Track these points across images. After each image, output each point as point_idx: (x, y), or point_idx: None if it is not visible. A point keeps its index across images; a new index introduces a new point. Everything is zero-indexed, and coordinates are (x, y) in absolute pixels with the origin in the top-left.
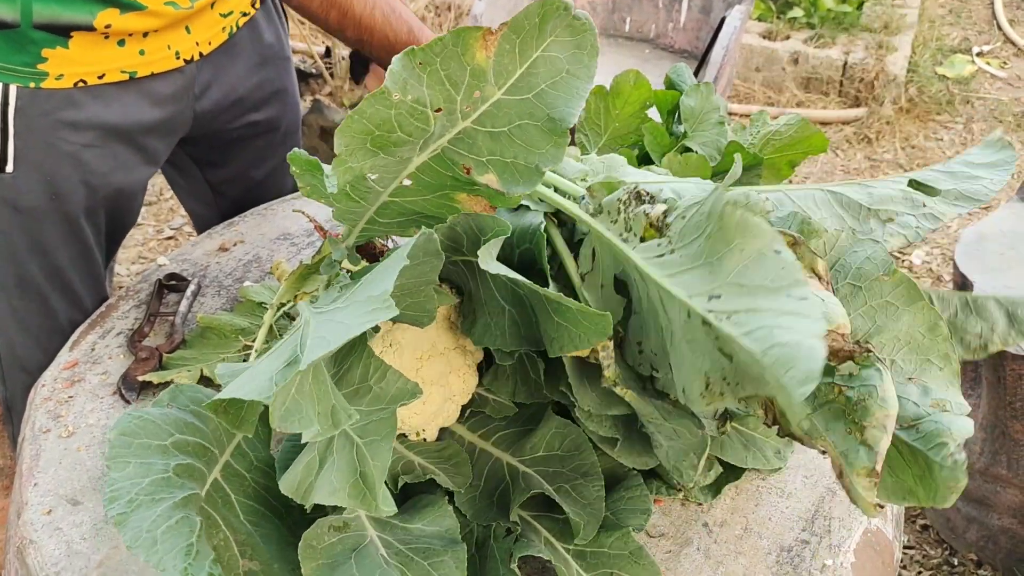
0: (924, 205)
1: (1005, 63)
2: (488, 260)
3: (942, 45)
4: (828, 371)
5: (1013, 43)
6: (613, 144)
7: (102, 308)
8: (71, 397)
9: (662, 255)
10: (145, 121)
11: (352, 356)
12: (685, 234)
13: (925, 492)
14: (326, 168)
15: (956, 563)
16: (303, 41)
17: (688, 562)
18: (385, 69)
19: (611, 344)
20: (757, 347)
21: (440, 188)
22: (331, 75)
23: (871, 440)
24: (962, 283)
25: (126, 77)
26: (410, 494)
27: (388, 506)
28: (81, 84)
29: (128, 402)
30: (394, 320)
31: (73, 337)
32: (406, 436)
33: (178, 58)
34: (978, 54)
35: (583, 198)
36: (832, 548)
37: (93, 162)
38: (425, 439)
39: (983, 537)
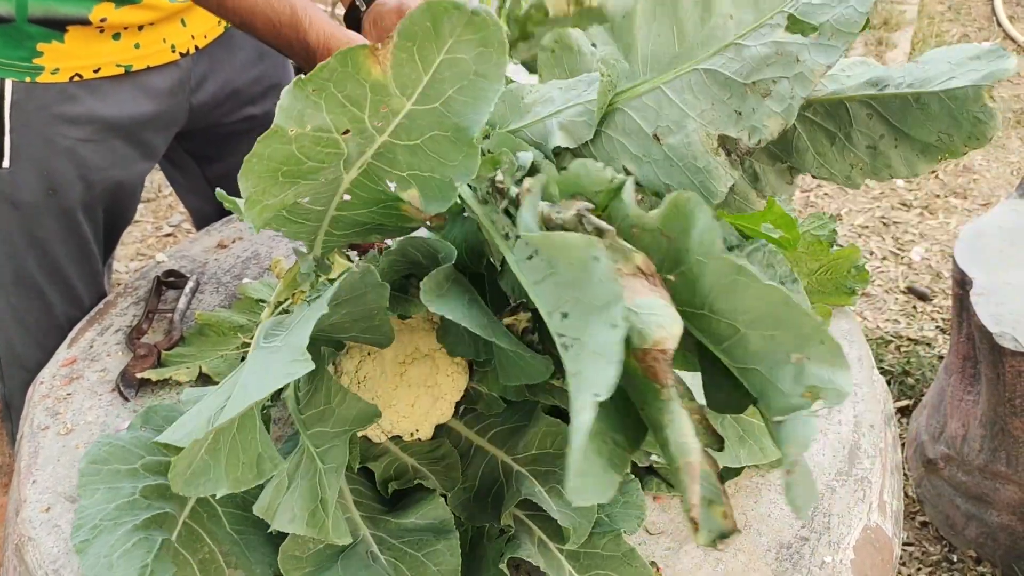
0: (797, 61)
1: None
2: (432, 299)
3: (941, 42)
4: (655, 393)
5: (1012, 40)
6: None
7: (100, 305)
8: (70, 394)
9: (531, 256)
10: (141, 115)
11: (317, 378)
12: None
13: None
14: (241, 203)
15: (955, 560)
16: None
17: (687, 559)
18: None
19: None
20: (576, 395)
21: (379, 202)
22: None
23: (684, 483)
24: (961, 280)
25: (121, 71)
26: (404, 491)
27: (341, 536)
28: (77, 78)
29: (127, 399)
30: (353, 341)
31: (71, 334)
32: (400, 438)
33: (173, 51)
34: None
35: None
36: (831, 545)
37: (90, 157)
38: (420, 438)
39: (982, 534)
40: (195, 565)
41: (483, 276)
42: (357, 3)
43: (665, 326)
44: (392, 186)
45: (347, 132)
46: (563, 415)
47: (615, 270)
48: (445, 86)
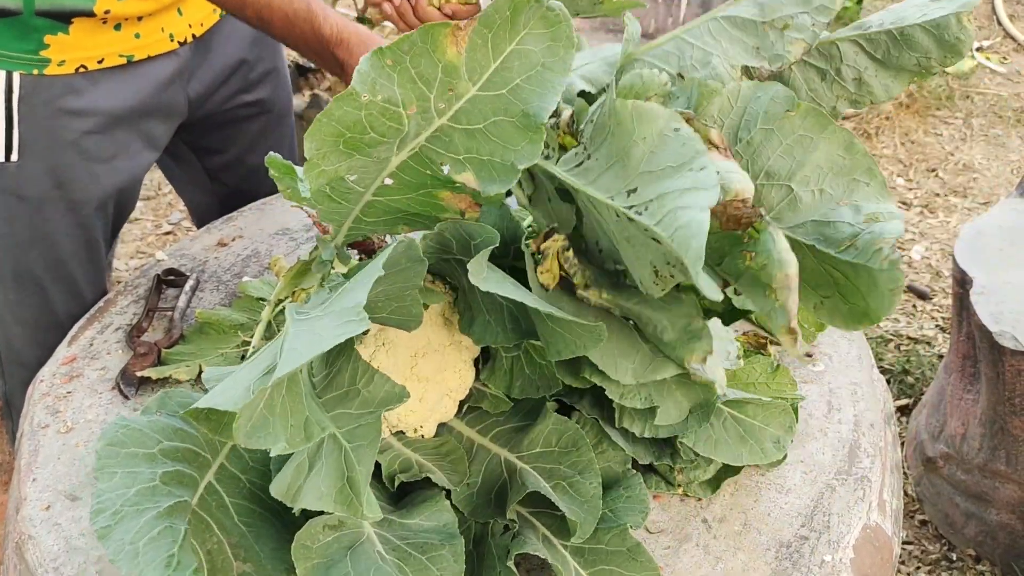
0: None
1: (1005, 59)
2: (480, 276)
3: None
4: (735, 240)
5: (1013, 38)
6: None
7: (100, 303)
8: (69, 392)
9: (581, 163)
10: (144, 104)
11: (341, 359)
12: (595, 137)
13: (876, 305)
14: (299, 171)
15: (955, 558)
16: None
17: (687, 558)
18: (292, 48)
19: (570, 253)
20: (666, 233)
21: (422, 187)
22: None
23: (781, 300)
24: (961, 279)
25: (124, 61)
26: (408, 490)
27: (373, 512)
28: (82, 69)
29: (127, 397)
30: (381, 323)
31: (72, 332)
32: (404, 433)
33: (172, 40)
34: (978, 49)
35: None
36: (831, 544)
37: (94, 149)
38: (423, 436)
39: (982, 532)
40: (202, 555)
41: (513, 268)
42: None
43: (741, 181)
44: (446, 169)
45: (413, 109)
46: (568, 412)
47: (695, 136)
48: (513, 74)
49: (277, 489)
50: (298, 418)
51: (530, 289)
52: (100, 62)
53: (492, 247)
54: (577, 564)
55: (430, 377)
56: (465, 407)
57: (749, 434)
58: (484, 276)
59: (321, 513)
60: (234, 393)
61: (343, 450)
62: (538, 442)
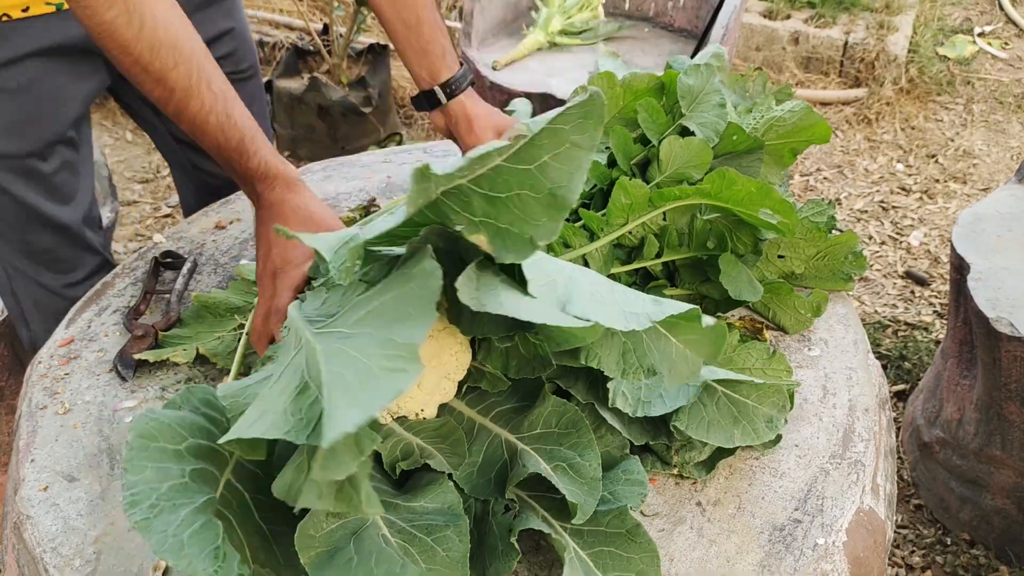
0: None
1: (1006, 44)
2: (470, 296)
3: (943, 25)
4: None
5: (1015, 23)
6: (612, 123)
7: (98, 286)
8: (67, 374)
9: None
10: (79, 36)
11: None
12: None
13: None
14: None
15: (949, 542)
16: (300, 18)
17: (682, 540)
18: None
19: None
20: None
21: (429, 222)
22: (329, 53)
23: None
24: (959, 265)
25: (52, 9)
26: (411, 471)
27: (374, 507)
28: (5, 18)
29: (124, 379)
30: None
31: (69, 315)
32: (406, 418)
33: None
34: (979, 34)
35: None
36: (824, 527)
37: (36, 93)
38: (425, 418)
39: (976, 517)
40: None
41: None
42: (438, 96)
43: None
44: (459, 227)
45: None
46: (567, 396)
47: None
48: (542, 151)
49: (278, 489)
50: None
51: (524, 285)
52: (25, 10)
53: (473, 264)
54: (576, 545)
55: (427, 362)
56: (465, 387)
57: (742, 414)
58: (475, 295)
59: None
60: (271, 420)
61: None
62: (538, 424)
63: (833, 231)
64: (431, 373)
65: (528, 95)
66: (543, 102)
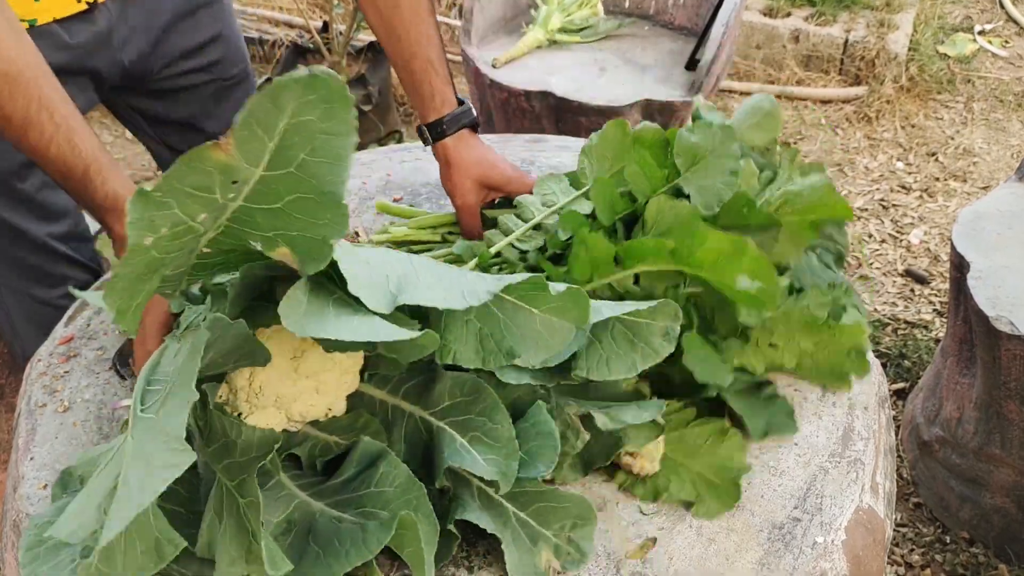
0: None
1: (1007, 42)
2: (298, 324)
3: (944, 23)
4: None
5: (1015, 22)
6: (619, 175)
7: (97, 284)
8: (67, 372)
9: None
10: (62, 60)
11: (208, 413)
12: None
13: None
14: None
15: (948, 541)
16: (300, 16)
17: (680, 539)
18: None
19: None
20: None
21: (242, 251)
22: (328, 50)
23: None
24: (959, 263)
25: (25, 26)
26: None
27: (277, 568)
28: None
29: (123, 377)
30: (233, 370)
31: (69, 312)
32: (317, 421)
33: (80, 1)
34: (980, 33)
35: None
36: (823, 526)
37: None
38: (335, 415)
39: (976, 516)
40: None
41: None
42: (426, 134)
43: None
44: (257, 245)
45: (203, 215)
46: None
47: None
48: (296, 150)
49: (200, 548)
50: (147, 542)
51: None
52: None
53: (303, 280)
54: (514, 508)
55: (319, 369)
56: (367, 373)
57: (638, 336)
58: (300, 320)
59: None
60: (85, 518)
61: (240, 507)
62: (444, 397)
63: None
64: (329, 376)
65: (527, 92)
66: (543, 100)
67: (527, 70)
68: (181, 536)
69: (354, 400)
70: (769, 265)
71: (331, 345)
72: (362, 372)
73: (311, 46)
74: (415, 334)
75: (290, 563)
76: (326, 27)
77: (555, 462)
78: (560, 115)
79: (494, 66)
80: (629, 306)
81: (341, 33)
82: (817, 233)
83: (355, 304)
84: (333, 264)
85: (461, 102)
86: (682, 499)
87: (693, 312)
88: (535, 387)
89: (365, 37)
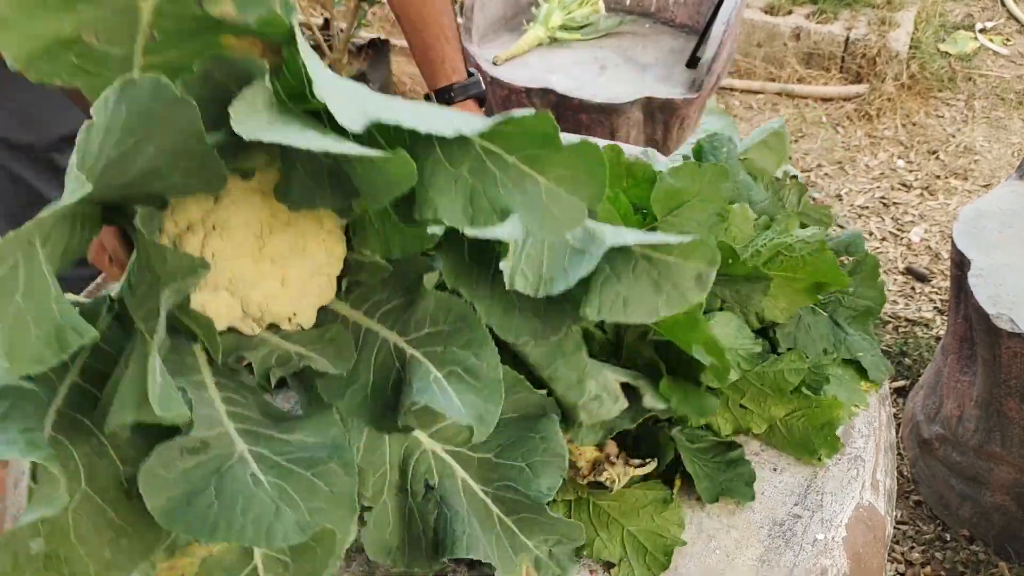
0: None
1: (1008, 40)
2: (243, 123)
3: (945, 21)
4: None
5: (1017, 20)
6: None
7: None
8: None
9: None
10: None
11: (139, 248)
12: None
13: None
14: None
15: (948, 539)
16: (301, 13)
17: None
18: None
19: None
20: None
21: (193, 33)
22: (329, 47)
23: None
24: (960, 261)
25: None
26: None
27: (166, 410)
28: None
29: None
30: (182, 193)
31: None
32: (278, 327)
33: None
34: (981, 31)
35: None
36: (824, 523)
37: None
38: (302, 325)
39: (976, 514)
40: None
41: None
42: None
43: None
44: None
45: None
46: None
47: None
48: None
49: (114, 421)
50: (47, 327)
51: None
52: None
53: (263, 77)
54: (500, 513)
55: (287, 255)
56: (345, 285)
57: (664, 276)
58: (250, 122)
59: (172, 434)
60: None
61: (149, 353)
62: (425, 322)
63: (834, 226)
64: (296, 268)
65: (528, 90)
66: (543, 97)
67: (528, 68)
68: None
69: (325, 318)
70: (718, 345)
71: (293, 193)
72: (339, 285)
73: (312, 43)
74: (384, 154)
75: (187, 408)
76: (327, 24)
77: (558, 485)
78: (561, 113)
79: (495, 64)
80: (658, 237)
81: (342, 30)
82: (815, 298)
83: (325, 126)
84: (308, 84)
85: (471, 74)
86: (602, 558)
87: (660, 362)
88: (543, 399)
89: (366, 34)
